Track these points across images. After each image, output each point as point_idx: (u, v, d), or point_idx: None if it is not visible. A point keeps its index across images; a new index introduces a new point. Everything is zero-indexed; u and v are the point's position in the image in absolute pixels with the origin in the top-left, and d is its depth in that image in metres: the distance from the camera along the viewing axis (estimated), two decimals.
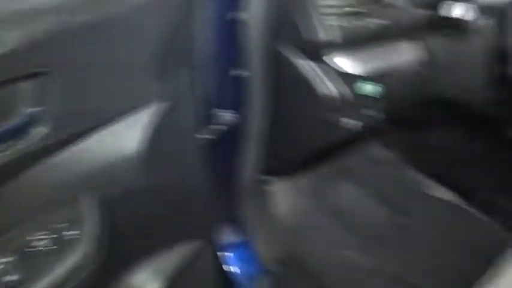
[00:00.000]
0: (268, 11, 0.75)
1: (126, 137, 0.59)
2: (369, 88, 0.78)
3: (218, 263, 0.92)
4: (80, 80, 0.53)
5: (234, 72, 0.80)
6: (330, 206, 1.36)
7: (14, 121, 0.49)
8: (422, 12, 0.84)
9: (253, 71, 0.81)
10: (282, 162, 1.06)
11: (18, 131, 0.50)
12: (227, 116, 0.87)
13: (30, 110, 0.50)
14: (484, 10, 0.79)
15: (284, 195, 1.23)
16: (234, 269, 1.00)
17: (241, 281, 1.04)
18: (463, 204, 1.36)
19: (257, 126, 0.90)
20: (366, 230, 1.29)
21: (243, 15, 0.72)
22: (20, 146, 0.49)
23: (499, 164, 1.28)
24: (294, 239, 1.19)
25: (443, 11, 0.81)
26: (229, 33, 0.74)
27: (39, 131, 0.50)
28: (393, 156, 1.51)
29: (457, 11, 0.79)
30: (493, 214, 1.29)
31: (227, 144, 0.90)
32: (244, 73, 0.81)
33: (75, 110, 0.54)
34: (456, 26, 0.82)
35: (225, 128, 0.87)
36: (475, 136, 1.24)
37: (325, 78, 0.76)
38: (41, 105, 0.50)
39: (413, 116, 1.17)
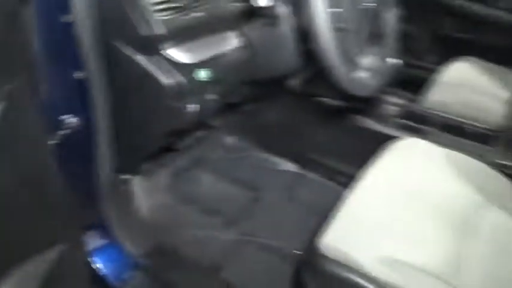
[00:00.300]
0: (95, 10, 0.79)
1: None
2: (202, 74, 0.88)
3: (87, 266, 0.92)
4: None
5: (76, 74, 0.82)
6: (188, 196, 1.44)
7: None
8: (236, 5, 0.98)
9: (91, 72, 0.84)
10: (136, 160, 1.10)
11: None
12: (73, 119, 0.87)
13: None
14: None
15: (143, 193, 1.27)
16: (104, 270, 1.00)
17: (113, 281, 1.05)
18: (305, 172, 1.59)
19: (104, 127, 0.92)
20: (225, 210, 1.41)
21: (72, 17, 0.75)
22: None
23: (327, 131, 1.54)
24: (160, 232, 1.24)
25: (253, 2, 0.96)
26: (65, 36, 0.76)
27: None
28: (239, 140, 1.67)
29: (263, 1, 0.95)
30: (329, 176, 1.54)
31: (77, 148, 0.91)
32: (84, 75, 0.83)
33: None
34: (264, 14, 0.98)
35: (71, 132, 0.88)
36: (301, 108, 1.47)
37: (164, 70, 0.83)
38: None
39: (244, 97, 1.33)
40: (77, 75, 0.84)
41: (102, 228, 1.02)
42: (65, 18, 0.76)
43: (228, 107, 1.37)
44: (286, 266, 1.23)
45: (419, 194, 1.04)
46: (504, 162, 1.24)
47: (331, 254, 0.90)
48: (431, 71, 1.76)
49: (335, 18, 0.86)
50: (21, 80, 0.66)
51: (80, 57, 0.81)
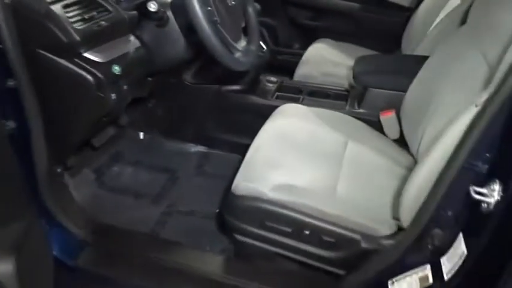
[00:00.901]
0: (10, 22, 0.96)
1: None
2: (115, 69, 1.11)
3: (46, 242, 1.08)
4: None
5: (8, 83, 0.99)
6: (113, 186, 1.64)
7: None
8: (133, 13, 1.22)
9: (21, 79, 1.02)
10: (67, 152, 1.28)
11: None
12: (11, 123, 1.04)
13: None
14: (163, 5, 1.24)
15: (74, 187, 1.43)
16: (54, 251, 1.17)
17: (63, 259, 1.23)
18: (211, 150, 1.87)
19: (37, 126, 1.09)
20: (148, 191, 1.64)
21: None
22: None
23: (223, 112, 1.82)
24: (97, 216, 1.42)
25: (147, 9, 1.21)
26: None
27: None
28: (148, 134, 1.90)
29: (153, 7, 1.20)
30: (230, 149, 1.83)
31: (18, 146, 1.07)
32: (15, 83, 1.01)
33: None
34: (155, 17, 1.23)
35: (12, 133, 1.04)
36: (197, 96, 1.74)
37: (85, 68, 1.05)
38: None
39: (148, 92, 1.57)
40: (9, 83, 1.02)
41: (48, 214, 1.19)
42: None
43: (134, 105, 1.60)
44: (207, 221, 1.51)
45: (300, 140, 1.38)
46: (356, 110, 1.65)
47: (240, 191, 1.19)
48: (299, 55, 2.17)
49: (209, 14, 1.15)
50: None
51: (10, 66, 0.99)
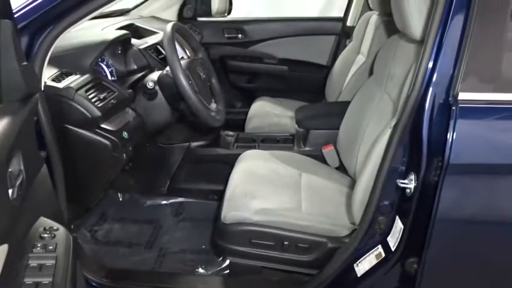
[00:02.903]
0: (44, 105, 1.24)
1: None
2: (124, 134, 1.42)
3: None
4: None
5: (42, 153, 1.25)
6: (107, 240, 1.86)
7: None
8: (129, 91, 1.55)
9: (51, 150, 1.28)
10: (82, 209, 1.52)
11: None
12: None
13: None
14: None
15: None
16: None
17: None
18: (186, 199, 2.16)
19: (61, 191, 1.34)
20: (139, 240, 1.88)
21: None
22: None
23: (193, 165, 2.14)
24: (104, 264, 1.63)
25: (143, 86, 1.55)
26: None
27: None
28: (128, 194, 2.15)
29: (150, 84, 1.54)
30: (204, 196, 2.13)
31: None
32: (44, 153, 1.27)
33: None
34: (147, 92, 1.58)
35: None
36: (169, 154, 2.07)
37: (105, 135, 1.35)
38: None
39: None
40: (42, 154, 1.28)
41: None
42: None
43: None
44: (197, 255, 1.78)
45: (265, 175, 1.73)
46: (302, 149, 2.07)
47: (228, 220, 1.50)
48: (243, 112, 2.58)
49: (191, 86, 1.51)
50: None
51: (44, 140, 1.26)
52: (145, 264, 1.71)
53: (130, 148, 1.46)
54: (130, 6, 2.66)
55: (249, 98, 2.76)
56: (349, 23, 2.64)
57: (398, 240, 1.26)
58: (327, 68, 2.68)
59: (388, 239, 1.31)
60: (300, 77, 2.78)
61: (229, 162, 1.86)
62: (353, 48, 2.44)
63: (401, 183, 1.21)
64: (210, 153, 2.09)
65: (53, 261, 0.82)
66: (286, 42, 2.74)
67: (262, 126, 2.32)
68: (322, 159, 1.95)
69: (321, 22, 2.78)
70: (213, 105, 1.69)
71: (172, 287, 1.52)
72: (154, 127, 1.64)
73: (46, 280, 0.78)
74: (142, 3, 2.66)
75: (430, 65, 1.13)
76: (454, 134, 1.08)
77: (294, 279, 1.58)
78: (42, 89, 1.24)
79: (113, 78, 1.66)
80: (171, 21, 2.61)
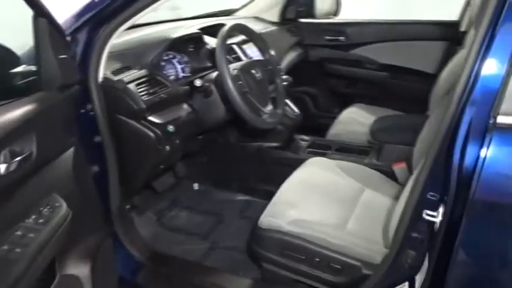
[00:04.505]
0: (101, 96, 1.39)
1: None
2: (170, 128, 1.50)
3: (113, 257, 1.44)
4: None
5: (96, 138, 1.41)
6: (171, 226, 1.99)
7: None
8: (184, 87, 1.64)
9: (103, 136, 1.43)
10: (133, 192, 1.67)
11: None
12: (95, 167, 1.45)
13: None
14: (209, 81, 1.65)
15: (139, 223, 1.80)
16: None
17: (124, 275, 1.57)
18: (251, 197, 2.18)
19: (113, 171, 1.49)
20: (198, 231, 1.96)
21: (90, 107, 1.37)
22: None
23: (261, 165, 2.15)
24: (153, 245, 1.75)
25: (194, 84, 1.62)
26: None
27: None
28: (200, 184, 2.26)
29: (197, 83, 1.61)
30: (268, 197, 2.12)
31: (98, 187, 1.45)
32: (100, 138, 1.43)
33: None
34: (201, 90, 1.64)
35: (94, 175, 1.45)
36: (237, 153, 2.11)
37: (149, 128, 1.45)
38: None
39: (198, 148, 1.96)
40: (96, 139, 1.43)
41: (116, 238, 1.55)
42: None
43: (191, 161, 1.99)
44: (245, 255, 1.78)
45: (320, 186, 1.64)
46: (373, 162, 1.90)
47: (264, 225, 1.47)
48: (334, 117, 2.47)
49: (240, 87, 1.53)
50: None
51: (98, 127, 1.41)
52: (193, 255, 1.78)
53: (177, 141, 1.53)
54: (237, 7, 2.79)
55: (346, 104, 2.63)
56: (463, 28, 2.30)
57: (422, 280, 1.08)
58: (433, 77, 2.39)
59: (417, 277, 1.13)
60: (401, 85, 2.54)
61: (296, 167, 1.82)
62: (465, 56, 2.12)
63: (427, 214, 1.03)
64: (280, 155, 2.07)
65: (34, 234, 0.93)
66: (388, 46, 2.52)
67: (341, 134, 2.20)
68: (394, 176, 1.76)
69: (431, 26, 2.48)
70: (269, 108, 1.66)
71: (206, 280, 1.56)
72: (208, 124, 1.69)
73: (18, 249, 0.88)
74: (248, 4, 2.75)
75: (471, 79, 0.94)
76: (485, 164, 0.88)
77: None
78: (101, 80, 1.40)
79: (184, 74, 1.76)
80: (273, 21, 2.67)
